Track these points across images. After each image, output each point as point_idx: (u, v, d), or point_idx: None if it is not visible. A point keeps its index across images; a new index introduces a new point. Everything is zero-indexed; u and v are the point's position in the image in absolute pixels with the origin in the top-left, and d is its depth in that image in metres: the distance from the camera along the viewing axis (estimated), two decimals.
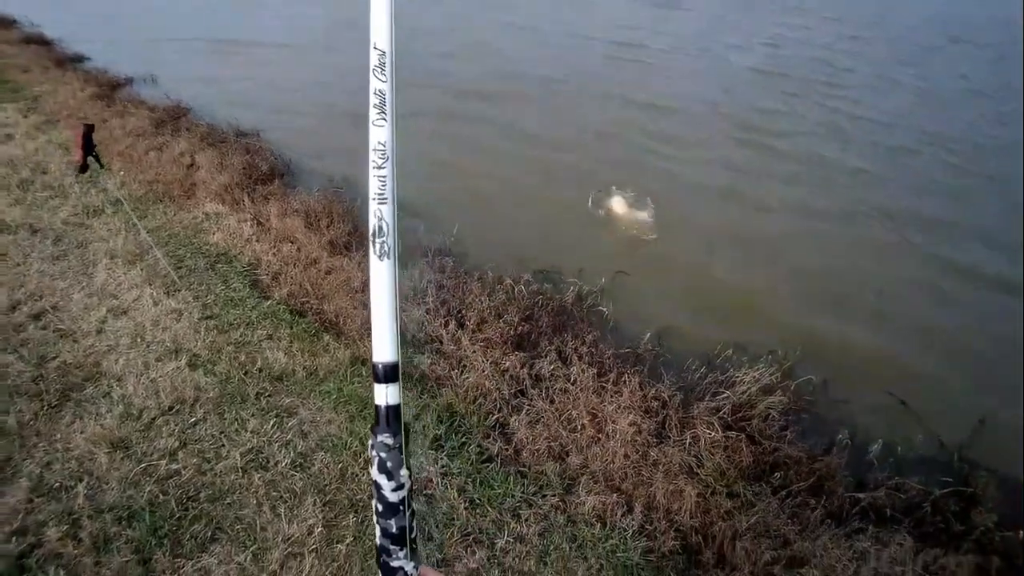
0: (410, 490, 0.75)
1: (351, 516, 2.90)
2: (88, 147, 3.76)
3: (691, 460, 3.36)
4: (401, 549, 0.73)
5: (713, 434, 3.49)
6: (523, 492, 3.11)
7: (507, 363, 3.86)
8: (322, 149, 7.96)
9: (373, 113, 0.74)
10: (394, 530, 0.73)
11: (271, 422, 3.37)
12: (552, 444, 3.40)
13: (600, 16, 17.88)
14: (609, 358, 4.03)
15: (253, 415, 3.41)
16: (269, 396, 3.57)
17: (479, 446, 3.35)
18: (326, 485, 3.04)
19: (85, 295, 4.34)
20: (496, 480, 3.15)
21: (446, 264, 5.11)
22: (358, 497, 2.99)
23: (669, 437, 3.50)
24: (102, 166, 3.92)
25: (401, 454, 0.74)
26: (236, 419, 3.38)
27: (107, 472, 3.05)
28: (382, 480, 0.73)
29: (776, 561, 2.90)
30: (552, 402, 3.68)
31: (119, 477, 3.02)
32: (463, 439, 3.37)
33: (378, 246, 0.75)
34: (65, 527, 2.78)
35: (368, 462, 0.76)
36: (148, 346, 3.88)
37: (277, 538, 2.74)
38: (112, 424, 3.29)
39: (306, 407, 3.52)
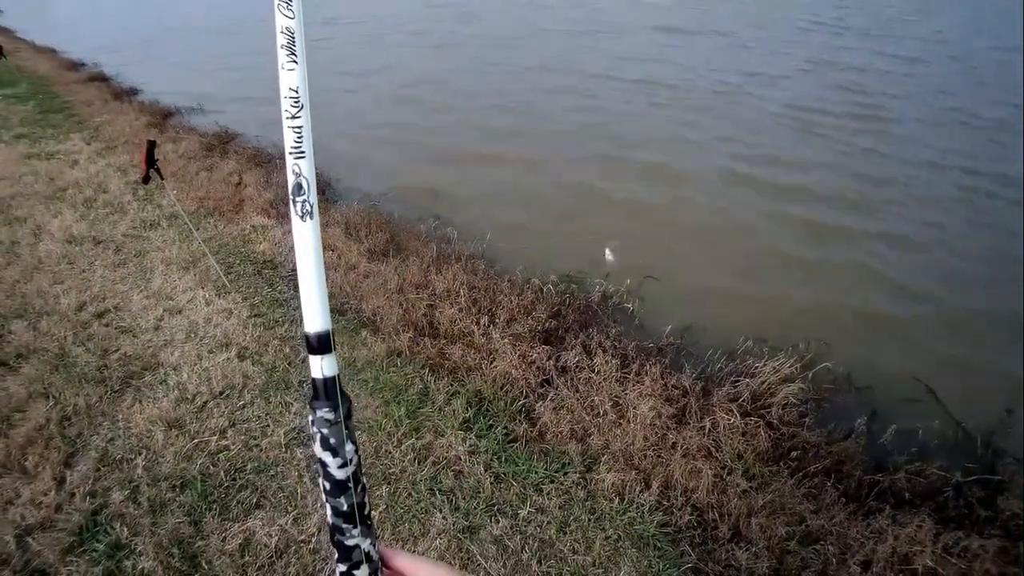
0: (358, 465, 0.70)
1: (384, 487, 3.11)
2: (151, 161, 4.14)
3: (709, 444, 3.49)
4: (355, 527, 0.69)
5: (732, 420, 3.60)
6: (546, 469, 3.28)
7: (534, 355, 4.05)
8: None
9: (282, 55, 0.65)
10: (345, 508, 0.69)
11: None
12: (575, 427, 3.56)
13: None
14: (632, 350, 4.18)
15: (296, 399, 3.67)
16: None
17: (505, 428, 3.54)
18: (362, 460, 3.26)
19: (143, 297, 4.71)
20: (520, 458, 3.33)
21: (478, 267, 5.35)
22: (391, 471, 3.20)
23: (688, 423, 3.63)
24: (163, 178, 4.30)
25: (345, 428, 0.68)
26: (281, 403, 3.64)
27: (163, 447, 3.33)
28: (327, 457, 0.68)
29: (791, 537, 2.99)
30: (576, 390, 3.85)
31: (174, 452, 3.30)
32: (490, 422, 3.57)
33: (299, 205, 0.67)
34: (127, 492, 3.07)
35: (311, 439, 0.70)
36: (201, 340, 4.20)
37: (316, 505, 2.97)
38: (168, 407, 3.59)
39: None
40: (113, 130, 9.58)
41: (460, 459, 3.30)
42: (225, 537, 2.83)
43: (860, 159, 8.69)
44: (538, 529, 2.93)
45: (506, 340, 4.20)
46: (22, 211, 6.32)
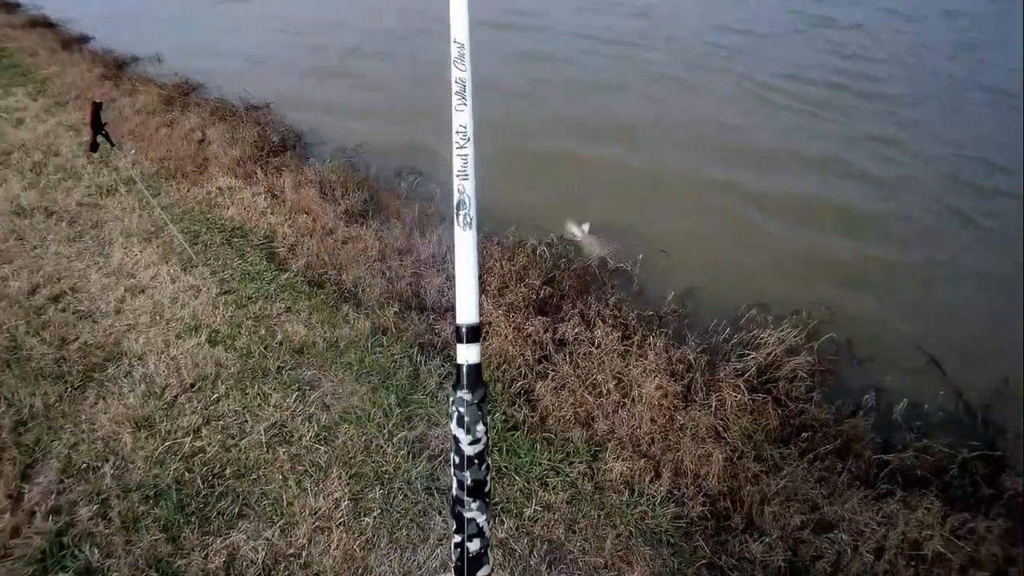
0: (487, 445, 0.78)
1: (377, 488, 2.87)
2: (97, 125, 3.70)
3: (717, 424, 3.29)
4: (475, 501, 0.76)
5: (739, 396, 3.40)
6: (550, 460, 3.06)
7: (530, 328, 3.79)
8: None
9: (455, 100, 0.81)
10: (469, 482, 0.76)
11: (293, 396, 3.34)
12: (578, 410, 3.34)
13: None
14: (633, 320, 3.93)
15: (275, 389, 3.38)
16: (291, 369, 3.55)
17: (504, 414, 3.30)
18: (351, 458, 3.02)
19: (102, 275, 4.33)
20: (523, 449, 3.10)
21: None
22: (384, 469, 2.96)
23: (695, 400, 3.42)
24: (112, 144, 3.86)
25: (479, 411, 0.77)
26: (258, 394, 3.36)
27: (132, 452, 3.05)
28: (460, 434, 0.76)
29: (805, 525, 2.83)
30: (577, 366, 3.61)
31: (144, 456, 3.02)
32: (488, 408, 3.32)
33: (461, 217, 0.80)
34: (95, 507, 2.80)
35: (448, 417, 0.79)
36: (167, 324, 3.87)
37: (304, 512, 2.73)
38: (135, 403, 3.29)
39: (328, 379, 3.49)
40: (62, 83, 8.86)
41: None
42: (207, 554, 2.58)
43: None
44: (545, 529, 2.73)
45: (499, 311, 3.92)
46: None
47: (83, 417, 3.25)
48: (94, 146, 3.73)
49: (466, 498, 0.76)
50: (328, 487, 2.87)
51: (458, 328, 0.80)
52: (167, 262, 4.44)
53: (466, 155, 0.82)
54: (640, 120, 7.76)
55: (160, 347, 3.67)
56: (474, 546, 0.75)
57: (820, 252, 5.31)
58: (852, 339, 4.15)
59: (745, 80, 9.11)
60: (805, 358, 3.73)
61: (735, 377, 3.55)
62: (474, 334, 0.79)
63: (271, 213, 5.24)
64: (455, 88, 0.82)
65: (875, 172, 6.67)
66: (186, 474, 2.94)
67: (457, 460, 0.77)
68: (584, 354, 3.68)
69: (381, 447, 3.07)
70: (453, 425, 0.78)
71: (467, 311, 0.80)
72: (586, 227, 5.19)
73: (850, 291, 4.77)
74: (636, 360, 3.59)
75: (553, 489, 2.91)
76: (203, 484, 2.90)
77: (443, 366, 3.56)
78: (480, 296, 3.95)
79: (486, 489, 0.78)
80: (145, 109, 7.74)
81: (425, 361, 3.59)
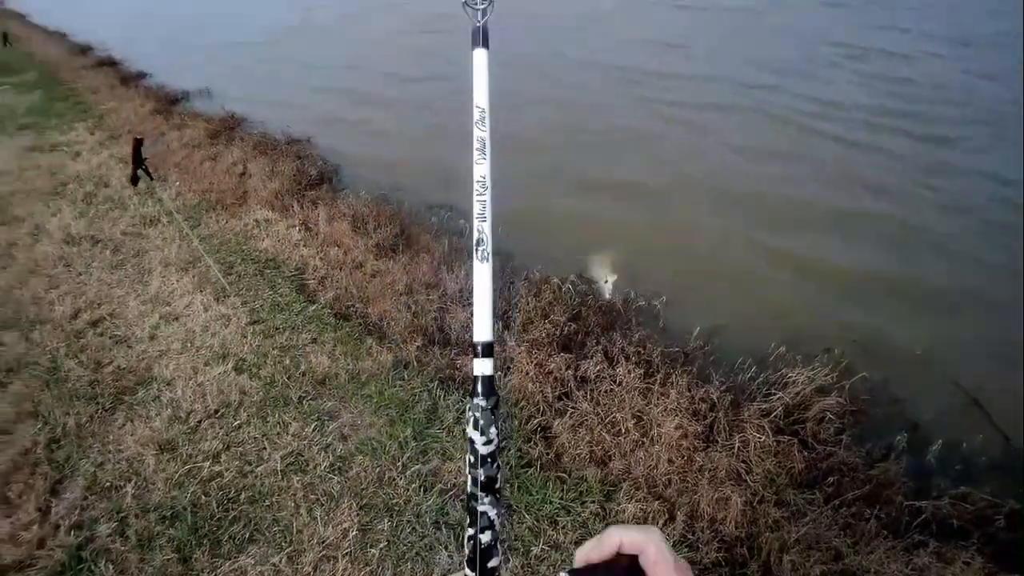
0: (497, 447, 0.86)
1: (386, 520, 2.89)
2: (138, 160, 3.90)
3: (739, 466, 3.22)
4: (487, 496, 0.82)
5: (763, 438, 3.33)
6: (562, 498, 3.03)
7: (552, 364, 3.79)
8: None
9: (476, 155, 0.96)
10: (482, 478, 0.83)
11: (312, 425, 3.40)
12: (595, 449, 3.30)
13: None
14: (657, 357, 3.90)
15: (295, 418, 3.45)
16: (312, 399, 3.61)
17: (519, 450, 3.29)
18: (363, 489, 3.04)
19: (140, 302, 4.52)
20: (535, 486, 3.08)
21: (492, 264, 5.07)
22: (394, 501, 2.98)
23: (716, 441, 3.36)
24: (152, 178, 4.06)
25: (493, 416, 0.86)
26: (279, 422, 3.43)
27: (154, 473, 3.14)
28: (475, 436, 0.84)
29: None
30: (596, 403, 3.59)
31: (165, 478, 3.11)
32: (503, 444, 3.32)
33: (479, 252, 0.93)
34: (114, 524, 2.89)
35: (466, 422, 0.92)
36: (197, 351, 3.99)
37: (312, 540, 2.75)
38: (160, 427, 3.39)
39: (348, 410, 3.54)
40: (118, 118, 9.40)
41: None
42: None
43: None
44: (551, 569, 2.69)
45: (522, 347, 3.94)
46: (21, 209, 6.15)
47: (111, 438, 3.37)
48: (135, 179, 3.94)
49: (479, 493, 0.82)
50: (338, 517, 2.90)
51: (474, 345, 0.90)
52: (201, 291, 4.61)
53: (484, 201, 0.96)
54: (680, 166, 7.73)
55: (189, 373, 3.79)
56: (486, 537, 0.81)
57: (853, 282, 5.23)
58: (888, 376, 4.03)
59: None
60: (836, 399, 3.61)
61: (760, 417, 3.48)
62: (488, 350, 0.89)
63: (304, 246, 5.40)
64: (476, 145, 0.97)
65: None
66: (202, 497, 3.01)
67: (472, 459, 0.85)
68: (605, 391, 3.65)
69: (394, 479, 3.09)
70: (469, 428, 0.86)
71: (483, 330, 0.90)
72: (613, 279, 5.17)
73: (889, 322, 4.66)
74: (658, 398, 3.56)
75: (563, 528, 2.88)
76: (218, 508, 2.96)
77: (461, 401, 3.58)
78: (501, 327, 4.01)
79: (497, 485, 0.85)
80: (191, 143, 8.11)
81: (444, 396, 3.62)
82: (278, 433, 3.36)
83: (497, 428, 0.87)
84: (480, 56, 1.03)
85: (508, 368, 3.85)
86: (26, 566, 2.68)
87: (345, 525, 2.86)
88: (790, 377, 3.79)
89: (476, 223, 0.96)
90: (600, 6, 17.19)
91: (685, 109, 9.44)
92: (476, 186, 0.97)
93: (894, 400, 3.94)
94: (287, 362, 3.90)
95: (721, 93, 9.98)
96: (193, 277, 4.81)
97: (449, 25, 11.82)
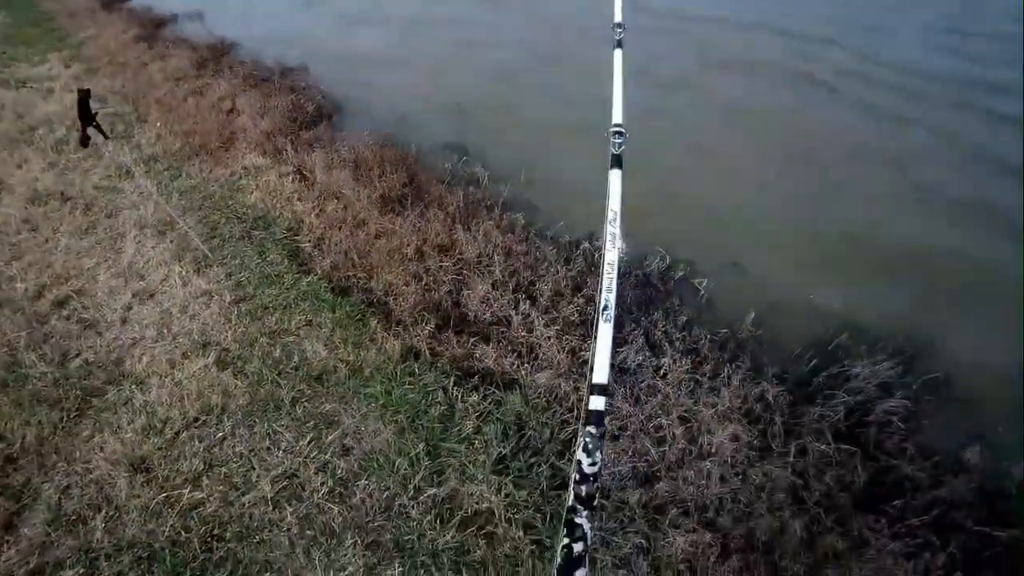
0: (600, 468, 0.98)
1: (397, 562, 2.41)
2: (87, 116, 3.23)
3: (796, 480, 2.69)
4: (585, 510, 0.92)
5: (823, 446, 2.78)
6: (600, 528, 2.53)
7: (587, 353, 3.20)
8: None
9: (607, 244, 1.31)
10: (583, 494, 0.93)
11: (308, 437, 2.88)
12: (637, 465, 2.77)
13: None
14: (704, 345, 3.30)
15: (287, 427, 2.93)
16: (306, 401, 3.08)
17: (551, 467, 2.76)
18: (368, 522, 2.55)
19: (111, 275, 3.95)
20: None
21: (516, 221, 4.39)
22: (406, 537, 2.49)
23: (772, 449, 2.82)
24: (106, 137, 3.41)
25: (600, 442, 0.99)
26: (268, 433, 2.91)
27: (127, 500, 2.67)
28: (583, 458, 0.97)
29: None
30: (637, 401, 3.04)
31: (139, 506, 2.64)
32: (532, 458, 2.79)
33: (604, 315, 1.15)
34: (83, 568, 2.45)
35: (575, 446, 1.00)
36: (174, 339, 3.45)
37: None
38: (133, 439, 2.91)
39: (349, 414, 3.01)
40: (97, 47, 8.53)
41: (493, 515, 2.56)
42: None
43: None
44: None
45: (551, 331, 3.36)
46: None
47: (77, 454, 2.89)
48: (84, 140, 3.28)
49: (579, 506, 0.92)
50: (340, 558, 2.44)
51: (592, 385, 1.07)
52: (180, 261, 4.01)
53: (612, 277, 1.23)
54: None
55: (164, 368, 3.26)
56: (578, 547, 0.87)
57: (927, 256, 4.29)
58: (950, 375, 3.30)
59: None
60: (901, 400, 3.03)
61: (818, 421, 2.93)
62: (603, 390, 1.05)
63: (298, 199, 4.75)
64: (608, 237, 1.32)
65: None
66: (183, 533, 2.55)
67: (577, 477, 0.95)
68: (647, 386, 3.09)
69: (404, 508, 2.59)
70: (579, 452, 0.98)
71: (601, 374, 1.07)
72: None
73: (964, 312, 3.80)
74: (707, 396, 3.00)
75: (600, 568, 2.39)
76: (200, 547, 2.51)
77: (482, 403, 3.03)
78: (528, 308, 3.41)
79: (595, 503, 0.94)
80: (175, 74, 7.32)
81: (462, 396, 3.05)
82: (267, 448, 2.85)
83: (601, 453, 1.01)
84: (615, 176, 1.42)
85: (536, 356, 3.29)
86: None
87: (349, 569, 2.40)
88: (853, 372, 3.20)
89: (604, 294, 1.21)
90: None
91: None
92: (606, 267, 1.25)
93: (965, 401, 3.26)
94: (277, 353, 3.35)
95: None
96: (171, 243, 4.20)
97: None
